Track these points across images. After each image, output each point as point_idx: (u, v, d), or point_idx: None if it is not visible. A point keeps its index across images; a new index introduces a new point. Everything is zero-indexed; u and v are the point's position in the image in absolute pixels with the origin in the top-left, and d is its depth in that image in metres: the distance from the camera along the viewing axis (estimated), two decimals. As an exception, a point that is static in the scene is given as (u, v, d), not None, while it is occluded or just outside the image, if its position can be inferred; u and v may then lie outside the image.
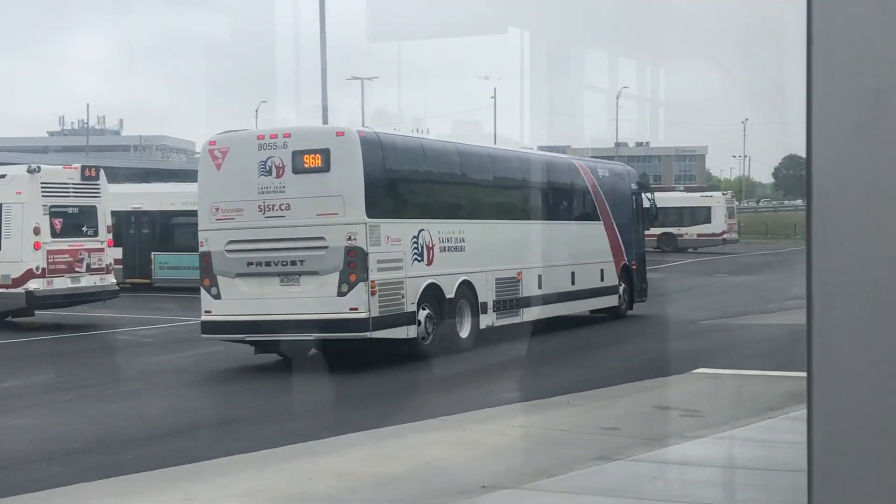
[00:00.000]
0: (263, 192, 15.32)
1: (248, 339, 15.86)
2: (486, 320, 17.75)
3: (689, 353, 16.26)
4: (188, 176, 51.45)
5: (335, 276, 14.94)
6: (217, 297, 15.56)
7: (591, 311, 21.76)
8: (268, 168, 15.18)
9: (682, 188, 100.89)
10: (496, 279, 17.99)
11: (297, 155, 15.21)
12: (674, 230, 54.31)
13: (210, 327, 15.81)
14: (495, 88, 78.43)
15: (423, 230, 16.27)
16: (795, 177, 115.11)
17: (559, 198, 21.12)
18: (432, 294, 16.38)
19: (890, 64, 2.92)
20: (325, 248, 15.09)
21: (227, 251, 15.56)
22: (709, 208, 53.05)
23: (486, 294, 17.72)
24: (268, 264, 15.33)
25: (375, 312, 15.11)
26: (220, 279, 15.56)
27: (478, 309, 17.47)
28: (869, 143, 2.94)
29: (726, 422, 10.67)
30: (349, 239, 14.91)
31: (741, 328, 20.13)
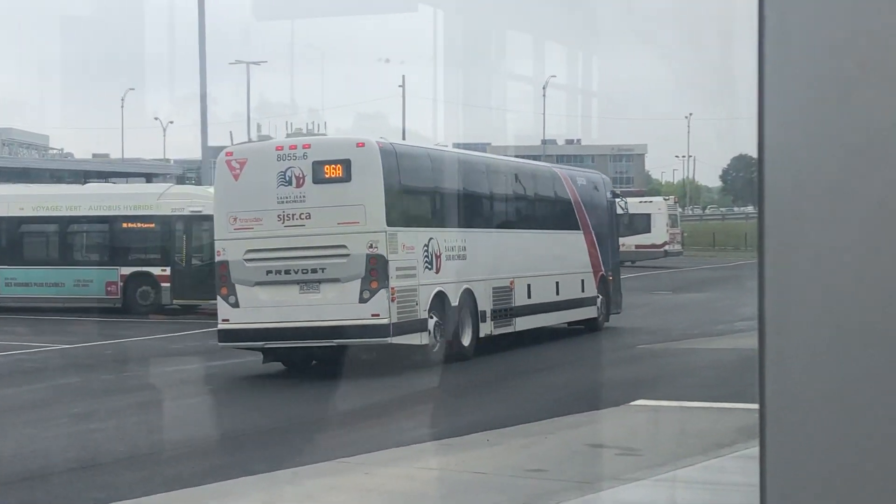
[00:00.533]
0: (283, 202, 17.66)
1: (267, 346, 18.00)
2: (485, 329, 20.30)
3: (626, 382, 16.43)
4: (40, 176, 50.57)
5: (357, 283, 17.37)
6: (235, 305, 17.74)
7: (569, 324, 24.02)
8: (287, 178, 17.51)
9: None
10: (493, 288, 20.64)
11: (318, 165, 17.63)
12: None
13: (227, 336, 17.97)
14: (404, 76, 78.46)
15: (432, 238, 18.83)
16: (746, 180, 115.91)
17: (546, 207, 24.05)
18: (440, 302, 18.86)
19: (850, 54, 2.93)
20: (347, 255, 17.50)
21: (245, 260, 17.77)
22: (648, 216, 52.38)
23: (485, 303, 20.30)
24: (287, 272, 17.60)
25: (395, 318, 17.55)
26: (238, 288, 17.74)
27: (477, 317, 19.97)
28: (828, 143, 2.93)
29: (668, 461, 10.75)
30: (371, 247, 17.34)
31: (686, 353, 20.43)
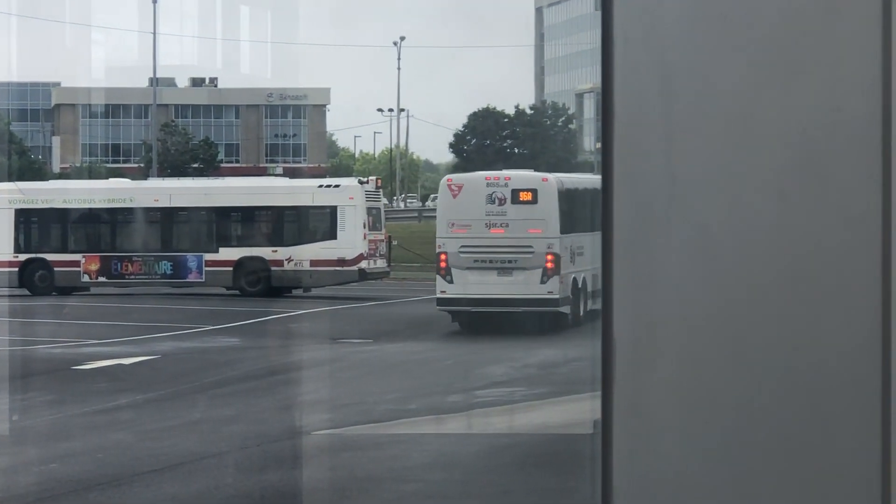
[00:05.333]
0: (489, 215, 39.65)
1: (472, 310, 38.82)
2: (589, 305, 40.12)
3: (295, 493, 16.98)
4: None
5: (539, 271, 39.95)
6: (450, 282, 39.74)
7: None
8: (493, 199, 40.43)
9: (278, 170, 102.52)
10: (592, 276, 39.06)
11: (515, 192, 40.10)
12: (265, 252, 53.24)
13: (444, 302, 39.87)
14: None
15: (573, 242, 39.94)
16: (495, 151, 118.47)
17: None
18: (574, 285, 39.96)
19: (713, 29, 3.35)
20: (532, 252, 39.80)
21: (459, 252, 39.40)
22: (332, 211, 51.24)
23: (590, 286, 40.20)
24: (490, 262, 40.21)
25: (562, 295, 39.23)
26: (453, 270, 39.55)
27: (587, 297, 40.27)
28: (690, 128, 3.34)
29: None
30: (549, 247, 39.83)
31: (397, 443, 21.56)
